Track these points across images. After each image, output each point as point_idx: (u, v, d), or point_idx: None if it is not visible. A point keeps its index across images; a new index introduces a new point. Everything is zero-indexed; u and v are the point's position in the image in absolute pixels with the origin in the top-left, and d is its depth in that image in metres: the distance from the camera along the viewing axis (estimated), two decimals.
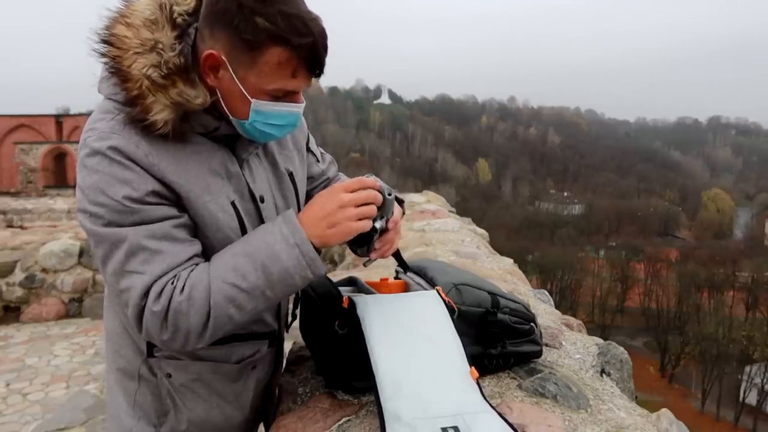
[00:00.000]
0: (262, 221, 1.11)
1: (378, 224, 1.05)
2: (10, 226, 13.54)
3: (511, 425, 0.94)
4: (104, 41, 0.95)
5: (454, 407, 0.96)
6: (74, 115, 29.23)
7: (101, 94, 1.01)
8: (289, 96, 0.99)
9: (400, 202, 1.19)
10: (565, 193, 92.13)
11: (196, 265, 0.99)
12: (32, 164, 22.77)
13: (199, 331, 0.96)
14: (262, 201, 1.12)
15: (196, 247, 1.00)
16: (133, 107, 0.94)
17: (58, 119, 27.57)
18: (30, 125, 26.51)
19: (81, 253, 6.44)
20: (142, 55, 0.93)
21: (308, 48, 0.93)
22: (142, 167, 0.94)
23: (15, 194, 20.96)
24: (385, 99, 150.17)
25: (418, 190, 6.09)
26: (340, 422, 1.09)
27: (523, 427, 1.00)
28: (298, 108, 1.02)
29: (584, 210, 77.78)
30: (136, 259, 0.94)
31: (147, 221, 0.94)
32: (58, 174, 23.69)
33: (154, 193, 0.95)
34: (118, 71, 0.94)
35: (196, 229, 1.02)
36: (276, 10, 0.90)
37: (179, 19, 0.97)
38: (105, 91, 0.99)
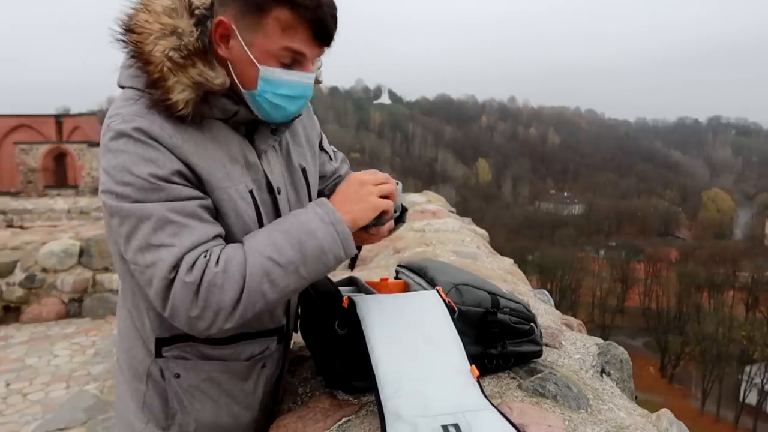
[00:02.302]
0: (278, 213, 1.12)
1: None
2: (10, 226, 13.55)
3: (512, 423, 0.94)
4: (126, 29, 0.98)
5: (454, 405, 0.96)
6: (74, 115, 29.26)
7: (121, 86, 1.03)
8: (297, 65, 1.01)
9: (404, 210, 1.21)
10: (565, 193, 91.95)
11: (223, 246, 0.99)
12: (32, 164, 22.77)
13: (230, 309, 0.94)
14: (279, 193, 1.13)
15: (221, 228, 1.01)
16: (154, 90, 0.96)
17: (58, 119, 27.57)
18: (30, 125, 26.50)
19: (81, 253, 6.44)
20: (163, 38, 0.96)
21: (313, 10, 0.96)
22: (166, 147, 0.96)
23: (15, 194, 20.97)
24: (385, 99, 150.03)
25: (418, 190, 6.09)
26: (340, 422, 1.09)
27: (524, 427, 1.00)
28: (308, 78, 1.02)
29: (584, 210, 77.73)
30: (165, 231, 0.93)
31: (173, 199, 0.95)
32: (58, 174, 23.70)
33: (179, 173, 0.97)
34: (139, 55, 0.97)
35: (216, 214, 1.03)
36: None
37: (197, 11, 1.00)
38: (125, 81, 1.02)
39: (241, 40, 0.98)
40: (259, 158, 1.11)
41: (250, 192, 1.06)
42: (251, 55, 0.98)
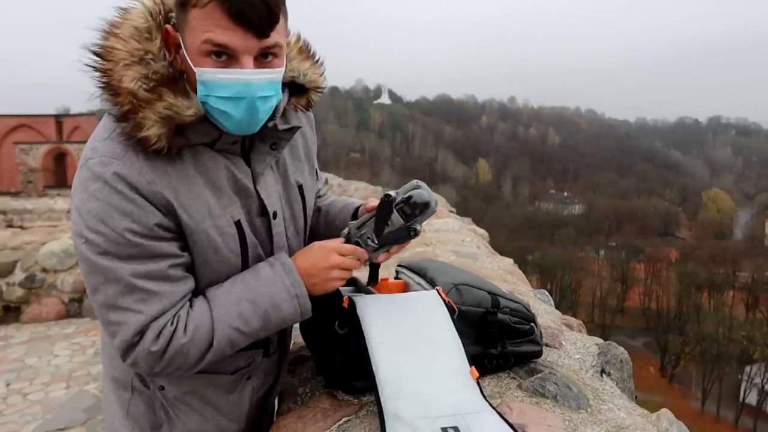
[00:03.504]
0: (271, 237, 1.11)
1: (418, 227, 1.10)
2: (10, 226, 13.53)
3: (511, 425, 0.94)
4: (96, 54, 0.92)
5: (454, 407, 0.96)
6: (74, 115, 29.20)
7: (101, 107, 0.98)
8: (233, 62, 0.89)
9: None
10: (565, 193, 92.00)
11: (190, 300, 1.00)
12: (32, 164, 22.77)
13: (190, 367, 1.00)
14: (275, 217, 1.11)
15: (190, 283, 1.01)
16: (126, 122, 0.91)
17: (58, 119, 27.57)
18: (30, 125, 26.50)
19: None
20: (131, 68, 0.90)
21: None
22: (144, 197, 0.92)
23: (15, 194, 20.96)
24: (385, 99, 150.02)
25: None
26: (340, 422, 1.09)
27: (523, 427, 1.00)
28: (242, 74, 0.89)
29: (584, 210, 77.76)
30: (132, 297, 0.93)
31: (145, 256, 0.93)
32: (59, 174, 23.69)
33: (157, 225, 0.94)
34: (108, 86, 0.91)
35: (192, 255, 1.00)
36: None
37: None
38: (103, 105, 0.96)
39: (182, 44, 0.91)
40: (256, 181, 1.06)
41: (236, 222, 1.03)
42: (189, 60, 0.90)
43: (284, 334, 1.28)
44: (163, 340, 0.94)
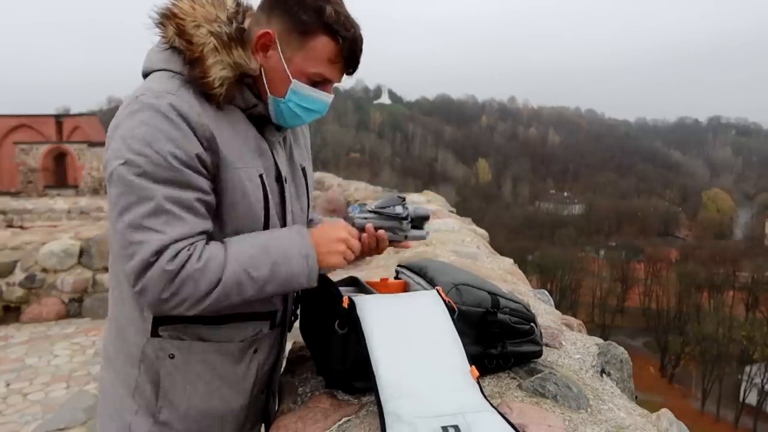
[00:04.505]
0: (283, 200, 1.20)
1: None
2: (10, 226, 13.55)
3: (511, 424, 0.94)
4: (167, 15, 1.07)
5: (454, 406, 0.96)
6: (74, 115, 29.22)
7: (150, 71, 1.09)
8: (323, 85, 1.13)
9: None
10: (565, 193, 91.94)
11: (206, 241, 1.05)
12: (32, 164, 22.76)
13: (196, 301, 1.02)
14: (286, 181, 1.21)
15: (210, 224, 1.07)
16: (195, 67, 1.04)
17: (58, 119, 27.55)
18: (30, 125, 26.47)
19: (81, 253, 6.43)
20: (207, 23, 1.06)
21: (351, 42, 1.09)
22: (191, 127, 1.02)
23: (15, 194, 20.97)
24: (385, 99, 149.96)
25: (418, 190, 6.09)
26: (340, 422, 1.09)
27: (523, 427, 1.00)
28: (329, 97, 1.16)
29: (584, 210, 77.74)
30: (159, 219, 0.99)
31: (179, 184, 1.01)
32: (58, 174, 23.69)
33: (197, 157, 1.02)
34: (181, 34, 1.05)
35: (222, 195, 1.08)
36: (331, 6, 1.08)
37: (229, 6, 1.12)
38: (158, 64, 1.08)
39: (281, 53, 1.09)
40: (271, 147, 1.19)
41: (260, 176, 1.13)
42: (287, 69, 1.10)
43: (287, 308, 1.30)
44: (178, 261, 0.99)
